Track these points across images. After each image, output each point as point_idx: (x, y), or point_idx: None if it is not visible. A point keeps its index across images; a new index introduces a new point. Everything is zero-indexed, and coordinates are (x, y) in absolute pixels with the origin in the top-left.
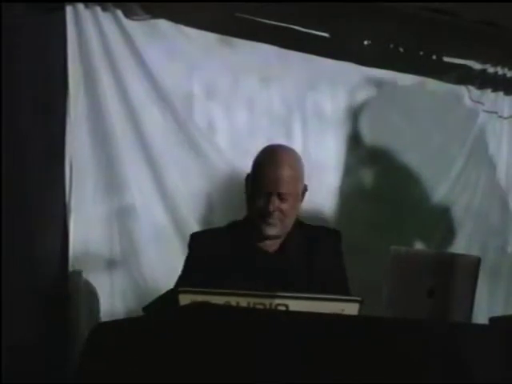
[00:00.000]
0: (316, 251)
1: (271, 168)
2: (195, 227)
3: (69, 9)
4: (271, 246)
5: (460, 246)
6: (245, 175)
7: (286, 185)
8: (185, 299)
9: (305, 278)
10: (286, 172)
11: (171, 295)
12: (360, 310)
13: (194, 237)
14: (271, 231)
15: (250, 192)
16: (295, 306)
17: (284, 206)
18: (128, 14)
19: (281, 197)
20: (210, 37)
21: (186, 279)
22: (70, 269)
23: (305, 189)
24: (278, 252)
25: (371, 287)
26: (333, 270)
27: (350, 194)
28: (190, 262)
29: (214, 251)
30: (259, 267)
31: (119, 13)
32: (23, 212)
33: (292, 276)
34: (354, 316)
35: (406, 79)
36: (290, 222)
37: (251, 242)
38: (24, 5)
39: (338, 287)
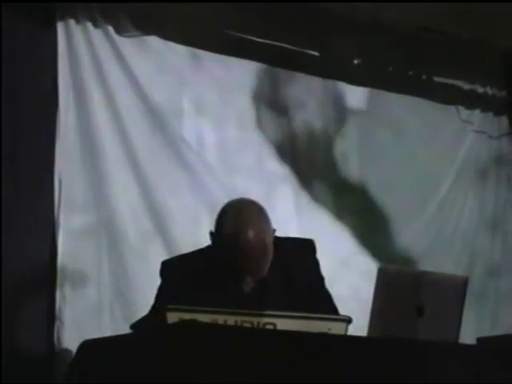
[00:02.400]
0: (292, 266)
1: (242, 250)
2: (182, 242)
3: (60, 24)
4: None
5: (447, 265)
6: (232, 191)
7: (260, 268)
8: (173, 317)
9: (286, 299)
10: (258, 252)
11: (158, 313)
12: (347, 329)
13: (166, 264)
14: (246, 289)
15: (220, 258)
16: (283, 324)
17: (260, 271)
18: (119, 31)
19: (255, 272)
20: (200, 53)
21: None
22: (58, 282)
23: (273, 232)
24: (254, 291)
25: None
26: (312, 281)
27: (337, 209)
28: (163, 290)
29: (186, 281)
30: (235, 304)
31: (110, 29)
32: (11, 224)
33: (271, 307)
34: (341, 336)
35: (395, 98)
36: (265, 270)
37: (225, 278)
38: (15, 19)
39: (319, 298)
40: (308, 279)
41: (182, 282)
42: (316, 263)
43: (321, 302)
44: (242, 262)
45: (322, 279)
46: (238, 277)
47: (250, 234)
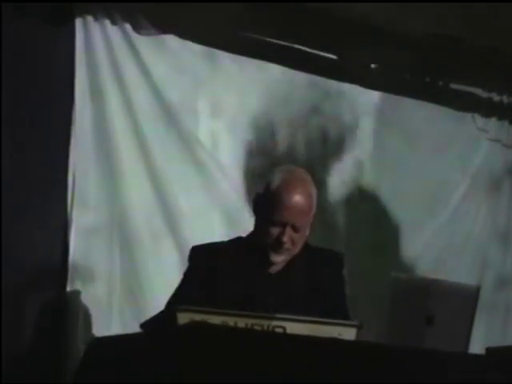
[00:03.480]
0: (318, 275)
1: (288, 198)
2: (194, 242)
3: (78, 21)
4: (273, 267)
5: (459, 274)
6: (247, 194)
7: (302, 217)
8: (183, 318)
9: (305, 301)
10: (303, 203)
11: (169, 313)
12: (357, 334)
13: (195, 250)
14: (278, 258)
15: (261, 215)
16: (293, 328)
17: (296, 237)
18: (136, 29)
19: (295, 228)
20: (217, 53)
21: (183, 292)
22: (69, 280)
23: (314, 213)
24: (279, 274)
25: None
26: (334, 294)
27: (351, 218)
28: (189, 275)
29: (214, 266)
30: (259, 288)
31: (128, 27)
32: (24, 221)
33: (291, 299)
34: (351, 341)
35: (411, 105)
36: (297, 249)
37: (253, 262)
38: (34, 16)
39: (337, 312)
40: (329, 289)
41: (208, 268)
42: (342, 278)
43: (336, 314)
44: (285, 215)
45: (344, 294)
46: (274, 244)
47: (299, 187)
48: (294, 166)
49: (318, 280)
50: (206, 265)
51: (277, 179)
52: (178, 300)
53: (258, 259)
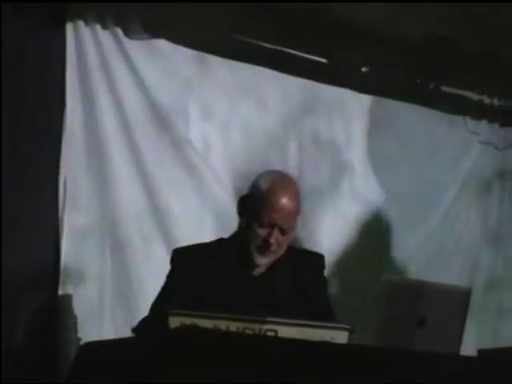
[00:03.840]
0: (302, 277)
1: (277, 200)
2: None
3: (69, 26)
4: (257, 269)
5: (450, 276)
6: (237, 195)
7: (290, 219)
8: (174, 322)
9: (289, 303)
10: (291, 206)
11: (160, 317)
12: (349, 338)
13: (177, 252)
14: (263, 261)
15: (247, 217)
16: (285, 331)
17: (282, 240)
18: (128, 33)
19: (282, 230)
20: (208, 57)
21: (167, 295)
22: (61, 283)
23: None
24: (263, 277)
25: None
26: (318, 296)
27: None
28: (172, 277)
29: (196, 268)
30: (243, 290)
31: (119, 31)
32: (16, 224)
33: (276, 301)
34: (343, 344)
35: (402, 107)
36: (282, 252)
37: (236, 264)
38: (25, 21)
39: (321, 312)
40: (312, 291)
41: (192, 270)
42: (323, 279)
43: (321, 315)
44: (273, 217)
45: (327, 295)
46: (260, 246)
47: (288, 190)
48: (279, 170)
49: (302, 282)
50: (189, 267)
51: (264, 181)
52: (161, 303)
53: (242, 261)
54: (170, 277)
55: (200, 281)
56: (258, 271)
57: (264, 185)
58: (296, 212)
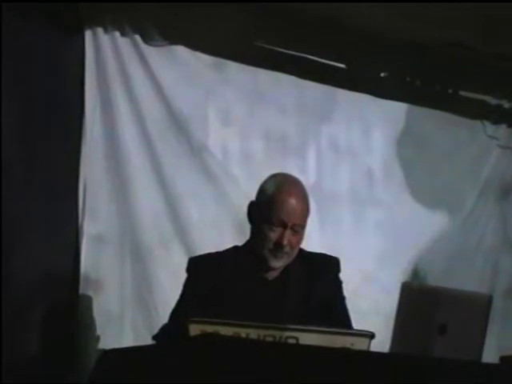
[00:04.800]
0: (316, 279)
1: (287, 199)
2: (205, 252)
3: (88, 33)
4: (271, 272)
5: (470, 282)
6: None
7: (300, 218)
8: (195, 329)
9: (304, 307)
10: (300, 204)
11: (181, 324)
12: (369, 344)
13: (193, 261)
14: (277, 264)
15: (258, 220)
16: (305, 338)
17: (294, 239)
18: (146, 40)
19: (294, 229)
20: (226, 63)
21: (184, 303)
22: (81, 291)
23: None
24: (277, 280)
25: None
26: (332, 298)
27: (360, 224)
28: (188, 287)
29: (212, 277)
30: (258, 295)
31: (137, 38)
32: (36, 232)
33: (290, 304)
34: (364, 351)
35: (421, 113)
36: (294, 255)
37: (251, 269)
38: (44, 28)
39: (340, 316)
40: (328, 294)
41: (207, 278)
42: (339, 281)
43: (338, 318)
44: (284, 216)
45: (343, 298)
46: (273, 248)
47: (295, 189)
48: (283, 172)
49: (318, 285)
50: (204, 275)
51: (270, 184)
52: (180, 311)
53: (256, 266)
54: (186, 285)
55: (216, 288)
56: (272, 275)
57: (270, 187)
58: (305, 210)
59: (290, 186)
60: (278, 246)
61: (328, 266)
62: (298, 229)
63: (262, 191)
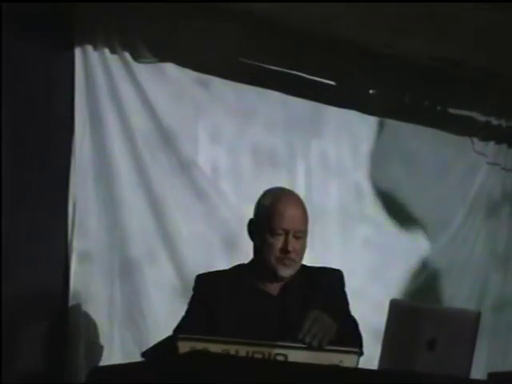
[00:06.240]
0: (319, 292)
1: (286, 207)
2: (195, 268)
3: (77, 49)
4: (274, 288)
5: (458, 298)
6: (246, 219)
7: (300, 223)
8: (184, 346)
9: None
10: (299, 211)
11: (170, 342)
12: (358, 361)
13: (199, 279)
14: (287, 272)
15: (260, 235)
16: (294, 356)
17: (298, 246)
18: (135, 57)
19: (296, 235)
20: (215, 80)
21: (189, 321)
22: (70, 306)
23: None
24: (281, 295)
25: None
26: (341, 313)
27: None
28: (194, 304)
29: (218, 294)
30: (263, 311)
31: (127, 55)
32: (24, 249)
33: (296, 319)
34: (352, 368)
35: (409, 129)
36: (300, 264)
37: (256, 286)
38: (33, 45)
39: (342, 330)
40: (333, 304)
41: (213, 295)
42: (345, 295)
43: (346, 328)
44: (285, 222)
45: (347, 305)
46: (279, 256)
47: (292, 198)
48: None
49: (319, 298)
50: (212, 293)
51: (269, 197)
52: (184, 329)
53: (265, 278)
54: (192, 303)
55: (222, 306)
56: (276, 290)
57: (267, 199)
58: (304, 216)
59: (286, 196)
60: (284, 252)
61: (334, 280)
62: (301, 235)
63: (259, 206)
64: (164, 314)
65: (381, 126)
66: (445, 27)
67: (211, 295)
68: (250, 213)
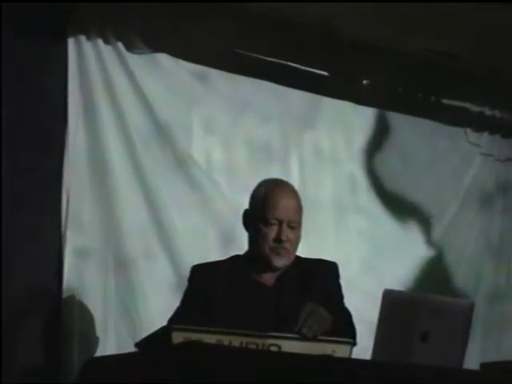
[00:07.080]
0: (313, 284)
1: (280, 197)
2: (190, 261)
3: (71, 40)
4: (269, 279)
5: (452, 289)
6: (241, 210)
7: (294, 213)
8: (178, 337)
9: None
10: (293, 200)
11: (164, 332)
12: (351, 351)
13: (195, 270)
14: (281, 262)
15: (254, 225)
16: (287, 346)
17: (292, 236)
18: (129, 48)
19: (290, 225)
20: (210, 72)
21: (184, 312)
22: (64, 301)
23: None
24: (276, 286)
25: None
26: (336, 305)
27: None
28: (189, 294)
29: (213, 285)
30: (258, 302)
31: (120, 46)
32: (18, 243)
33: (290, 310)
34: (345, 358)
35: (403, 119)
36: (294, 254)
37: (251, 276)
38: (26, 36)
39: (336, 321)
40: (328, 296)
41: (208, 286)
42: (340, 287)
43: (341, 320)
44: (279, 212)
45: (341, 298)
46: (273, 246)
47: (286, 188)
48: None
49: (314, 289)
50: (207, 283)
51: (263, 187)
52: (179, 320)
53: (259, 268)
54: (187, 293)
55: (217, 297)
56: (271, 280)
57: (262, 190)
58: (298, 206)
59: (280, 186)
60: (278, 241)
61: (329, 271)
62: (295, 225)
63: (253, 196)
64: (159, 307)
65: (375, 118)
66: (441, 22)
67: (206, 286)
68: (245, 204)
